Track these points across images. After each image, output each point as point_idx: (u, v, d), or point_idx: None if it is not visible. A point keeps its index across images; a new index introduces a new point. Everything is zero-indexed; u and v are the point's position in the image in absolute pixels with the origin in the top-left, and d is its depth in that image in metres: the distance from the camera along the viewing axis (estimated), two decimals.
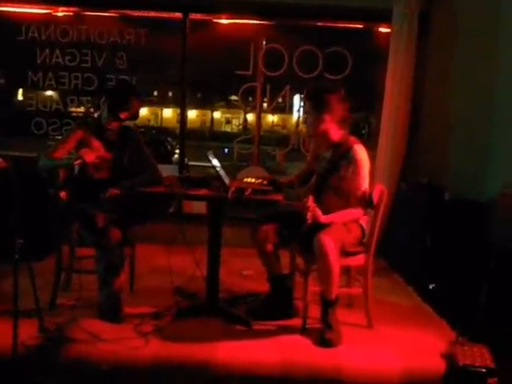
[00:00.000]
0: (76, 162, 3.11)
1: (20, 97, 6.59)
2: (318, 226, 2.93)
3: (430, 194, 4.34)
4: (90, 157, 3.16)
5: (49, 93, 5.70)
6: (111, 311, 3.08)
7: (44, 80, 5.36)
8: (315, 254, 2.90)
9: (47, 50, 5.29)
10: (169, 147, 12.67)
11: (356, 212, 3.04)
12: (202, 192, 3.12)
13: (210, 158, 3.10)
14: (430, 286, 3.92)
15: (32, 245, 2.61)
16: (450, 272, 3.76)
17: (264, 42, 5.28)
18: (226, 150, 10.22)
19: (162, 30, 5.62)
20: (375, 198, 3.11)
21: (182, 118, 5.51)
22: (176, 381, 2.68)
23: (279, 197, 3.08)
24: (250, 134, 5.99)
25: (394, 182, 4.75)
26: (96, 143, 3.34)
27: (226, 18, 5.30)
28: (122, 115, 3.34)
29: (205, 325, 3.11)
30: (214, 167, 3.10)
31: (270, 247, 3.21)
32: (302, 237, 3.04)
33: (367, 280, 3.18)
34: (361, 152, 3.08)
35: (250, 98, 5.98)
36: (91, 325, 2.98)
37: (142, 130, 12.47)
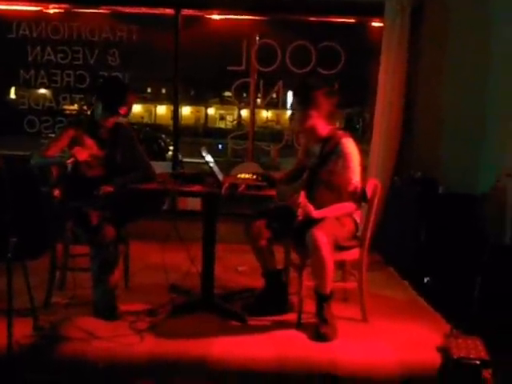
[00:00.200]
0: (68, 161, 3.08)
1: (12, 95, 6.56)
2: (311, 221, 2.94)
3: (423, 188, 4.35)
4: (82, 155, 3.14)
5: (41, 91, 5.67)
6: (106, 309, 3.08)
7: (36, 78, 5.34)
8: (309, 249, 2.91)
9: (38, 48, 5.26)
10: (162, 144, 12.65)
11: (348, 206, 3.04)
12: (196, 188, 3.12)
13: (204, 154, 3.09)
14: (425, 280, 3.93)
15: (26, 243, 2.60)
16: (444, 265, 3.78)
17: (257, 38, 5.28)
18: (220, 146, 10.23)
19: (154, 26, 5.60)
20: (369, 193, 3.12)
21: (175, 114, 5.49)
22: (172, 377, 2.68)
23: (273, 192, 3.08)
24: (244, 130, 5.98)
25: (387, 176, 4.76)
26: (89, 141, 3.32)
27: (219, 14, 5.29)
28: (122, 111, 3.32)
29: (200, 321, 3.11)
30: (207, 163, 3.09)
31: (263, 243, 3.22)
32: (296, 232, 3.04)
33: (362, 274, 3.19)
34: (349, 145, 3.08)
35: (244, 94, 5.97)
36: (86, 323, 2.97)
37: (135, 127, 12.46)
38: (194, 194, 3.32)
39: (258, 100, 5.72)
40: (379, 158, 4.81)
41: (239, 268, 4.18)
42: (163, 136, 13.38)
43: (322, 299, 3.01)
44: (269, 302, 3.30)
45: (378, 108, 4.82)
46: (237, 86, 5.44)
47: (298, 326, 3.08)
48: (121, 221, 3.22)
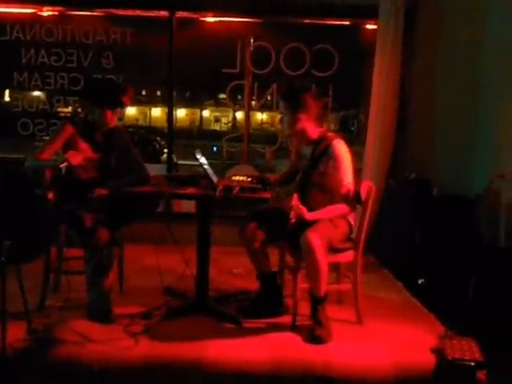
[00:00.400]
0: (62, 165, 3.06)
1: (6, 97, 6.54)
2: (305, 224, 2.94)
3: (418, 189, 4.36)
4: (76, 160, 3.12)
5: (35, 93, 5.65)
6: (100, 312, 3.06)
7: (30, 80, 5.32)
8: (303, 251, 2.91)
9: (32, 50, 5.26)
10: (157, 146, 12.66)
11: (341, 208, 3.04)
12: (190, 191, 3.11)
13: (198, 157, 3.09)
14: (419, 281, 3.94)
15: (20, 246, 2.59)
16: (438, 267, 3.79)
17: (251, 40, 5.28)
18: (215, 149, 10.21)
19: (149, 28, 5.59)
20: (363, 194, 3.13)
21: (170, 117, 5.49)
22: (167, 380, 2.67)
23: (267, 195, 3.09)
24: (239, 132, 5.98)
25: (382, 178, 4.77)
26: (83, 145, 3.30)
27: (213, 16, 5.29)
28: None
29: (195, 324, 3.11)
30: (201, 165, 3.09)
31: (257, 245, 3.22)
32: (290, 234, 3.04)
33: (356, 276, 3.19)
34: (340, 147, 3.09)
35: (239, 96, 5.97)
36: (80, 326, 2.96)
37: (130, 129, 12.45)
38: (188, 197, 3.32)
39: (253, 102, 5.73)
40: (374, 160, 4.82)
41: (234, 270, 4.17)
42: (158, 138, 13.40)
43: (317, 301, 3.01)
44: (264, 304, 3.29)
45: (373, 110, 4.83)
46: (231, 88, 5.44)
47: (293, 328, 3.08)
48: (115, 223, 3.21)
